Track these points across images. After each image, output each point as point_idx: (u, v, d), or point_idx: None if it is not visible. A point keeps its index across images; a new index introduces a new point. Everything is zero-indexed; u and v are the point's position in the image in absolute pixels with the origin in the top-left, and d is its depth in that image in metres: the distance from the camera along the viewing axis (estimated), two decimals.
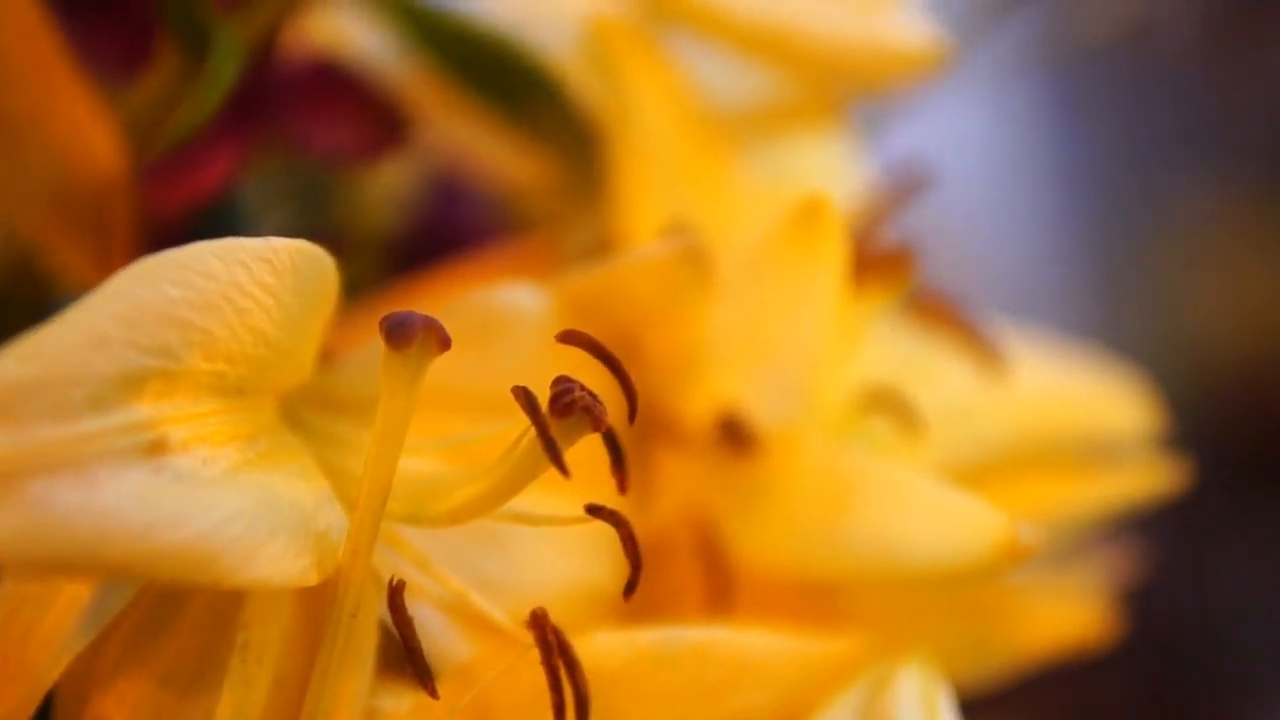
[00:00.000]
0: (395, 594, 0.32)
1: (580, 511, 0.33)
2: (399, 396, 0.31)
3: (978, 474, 0.46)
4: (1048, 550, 0.48)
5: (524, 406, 0.31)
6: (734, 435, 0.39)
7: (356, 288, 0.51)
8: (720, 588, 0.40)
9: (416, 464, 0.35)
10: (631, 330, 0.41)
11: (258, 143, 0.44)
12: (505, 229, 0.51)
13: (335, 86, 0.44)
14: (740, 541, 0.40)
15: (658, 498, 0.42)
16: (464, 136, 0.48)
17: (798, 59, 0.44)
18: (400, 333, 0.31)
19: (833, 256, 0.38)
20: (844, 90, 0.47)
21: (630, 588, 0.33)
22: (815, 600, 0.43)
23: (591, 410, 0.31)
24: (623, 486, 0.33)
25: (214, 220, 0.47)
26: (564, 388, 0.31)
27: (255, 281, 0.31)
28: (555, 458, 0.31)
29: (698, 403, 0.41)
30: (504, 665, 0.33)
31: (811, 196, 0.38)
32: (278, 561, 0.30)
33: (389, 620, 0.34)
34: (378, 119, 0.44)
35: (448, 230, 0.51)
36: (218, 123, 0.42)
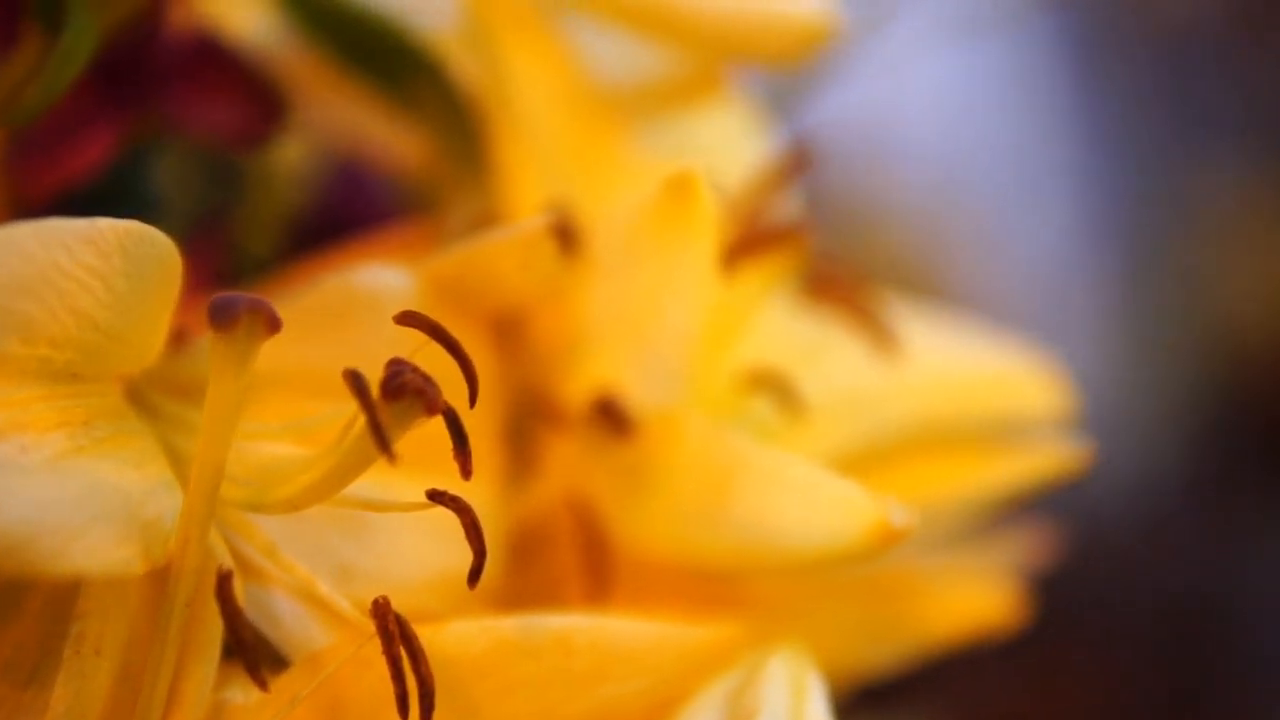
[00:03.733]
0: (223, 583, 0.31)
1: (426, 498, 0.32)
2: (226, 379, 0.30)
3: (879, 457, 0.45)
4: (954, 533, 0.48)
5: (353, 389, 0.30)
6: (611, 417, 0.39)
7: (261, 268, 0.50)
8: (600, 573, 0.39)
9: (263, 449, 0.34)
10: (512, 312, 0.41)
11: (138, 122, 0.43)
12: (407, 210, 0.50)
13: (216, 66, 0.43)
14: (620, 526, 0.39)
15: (540, 482, 0.41)
16: (354, 118, 0.47)
17: (687, 36, 0.43)
18: (224, 314, 0.30)
19: (702, 233, 0.37)
20: (740, 65, 0.46)
21: (474, 575, 0.32)
22: (709, 586, 0.42)
23: (424, 393, 0.30)
24: (465, 471, 0.32)
25: (117, 200, 0.46)
26: (394, 370, 0.30)
27: (77, 263, 0.30)
28: (382, 442, 0.30)
29: (578, 385, 0.40)
30: (346, 656, 0.32)
31: (680, 173, 0.37)
32: (97, 551, 0.29)
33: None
34: (258, 99, 0.43)
35: (349, 211, 0.50)
36: (94, 101, 0.42)
